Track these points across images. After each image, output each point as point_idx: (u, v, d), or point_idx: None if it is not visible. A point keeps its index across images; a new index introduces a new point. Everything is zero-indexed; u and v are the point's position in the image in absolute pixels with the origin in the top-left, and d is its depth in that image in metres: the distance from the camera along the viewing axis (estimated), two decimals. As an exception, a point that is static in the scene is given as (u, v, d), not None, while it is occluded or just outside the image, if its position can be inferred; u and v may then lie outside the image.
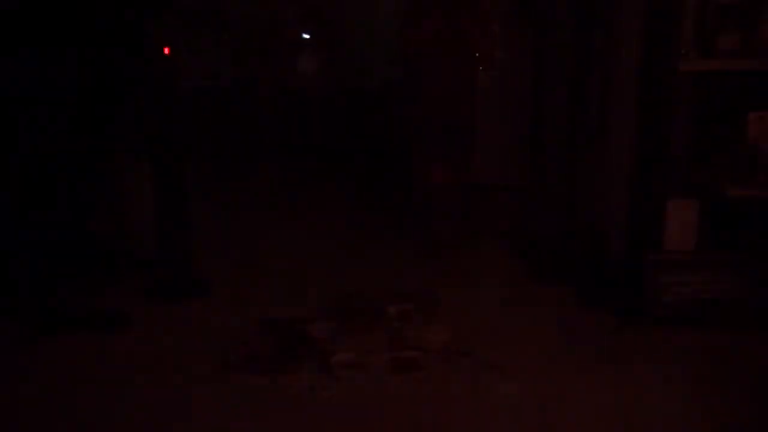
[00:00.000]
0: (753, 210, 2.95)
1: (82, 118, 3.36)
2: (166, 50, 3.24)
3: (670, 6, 2.83)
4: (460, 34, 3.65)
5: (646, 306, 2.91)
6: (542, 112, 5.19)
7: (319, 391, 2.43)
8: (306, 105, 4.52)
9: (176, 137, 3.38)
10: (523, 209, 4.75)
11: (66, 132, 3.36)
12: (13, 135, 3.27)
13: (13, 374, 2.58)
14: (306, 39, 4.23)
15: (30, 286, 3.19)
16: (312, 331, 2.86)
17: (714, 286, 2.90)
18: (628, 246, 3.14)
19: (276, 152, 5.79)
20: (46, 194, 3.37)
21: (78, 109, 3.34)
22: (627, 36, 3.09)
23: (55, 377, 2.53)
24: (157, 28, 3.26)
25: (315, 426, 2.25)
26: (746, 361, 2.62)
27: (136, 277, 3.41)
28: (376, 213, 4.63)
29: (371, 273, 3.62)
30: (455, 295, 3.28)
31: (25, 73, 3.10)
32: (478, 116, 3.89)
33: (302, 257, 3.93)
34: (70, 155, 3.38)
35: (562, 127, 4.60)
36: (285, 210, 4.66)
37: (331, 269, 3.70)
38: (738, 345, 2.73)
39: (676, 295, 2.90)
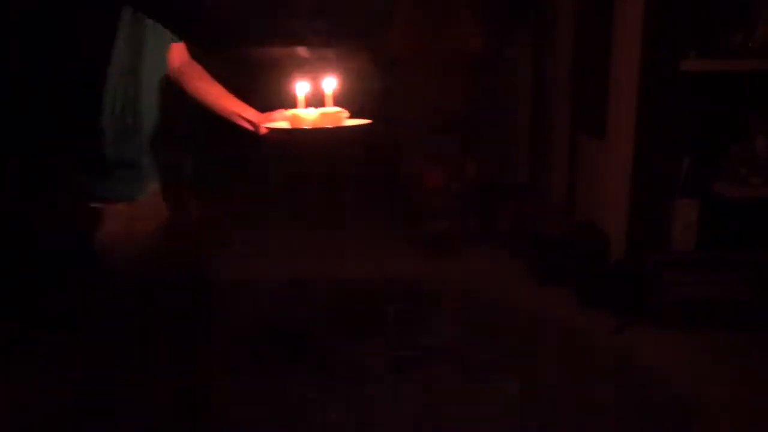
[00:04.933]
0: (753, 210, 2.95)
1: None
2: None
3: (670, 5, 2.83)
4: (452, 34, 3.64)
5: (647, 306, 2.91)
6: (542, 111, 5.20)
7: (319, 390, 2.43)
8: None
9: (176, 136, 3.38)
10: (523, 209, 4.75)
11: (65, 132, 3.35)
12: (14, 135, 3.26)
13: (13, 374, 2.57)
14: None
15: (29, 286, 3.19)
16: (312, 331, 2.86)
17: (714, 286, 2.90)
18: (628, 246, 3.14)
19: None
20: (46, 195, 3.37)
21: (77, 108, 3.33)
22: (627, 36, 3.09)
23: (55, 377, 2.53)
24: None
25: (315, 426, 2.25)
26: (746, 360, 2.62)
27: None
28: (376, 213, 4.63)
29: (371, 273, 3.62)
30: (455, 295, 3.28)
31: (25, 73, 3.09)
32: (477, 116, 3.88)
33: (302, 257, 3.93)
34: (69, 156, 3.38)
35: (562, 127, 4.62)
36: (284, 210, 4.66)
37: (332, 269, 3.70)
38: (738, 345, 2.73)
39: (676, 295, 2.90)
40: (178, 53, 1.83)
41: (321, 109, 1.56)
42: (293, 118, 1.56)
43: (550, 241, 3.77)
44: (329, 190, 4.58)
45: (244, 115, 1.72)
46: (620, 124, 3.18)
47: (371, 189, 4.81)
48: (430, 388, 2.45)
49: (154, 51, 1.69)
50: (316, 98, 1.61)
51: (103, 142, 1.63)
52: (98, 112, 1.60)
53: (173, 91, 1.72)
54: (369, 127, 1.59)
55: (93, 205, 1.67)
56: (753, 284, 2.89)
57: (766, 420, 2.25)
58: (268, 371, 2.57)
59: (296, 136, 1.54)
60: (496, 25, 4.01)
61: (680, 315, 2.89)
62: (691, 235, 2.96)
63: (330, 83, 1.58)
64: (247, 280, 3.53)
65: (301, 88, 1.58)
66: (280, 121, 1.64)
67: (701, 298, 2.89)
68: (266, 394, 2.42)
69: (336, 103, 1.60)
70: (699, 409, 2.29)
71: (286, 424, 2.26)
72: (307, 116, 1.54)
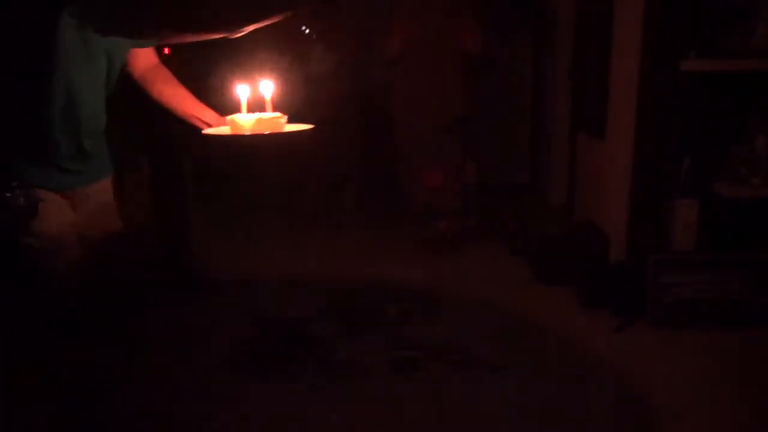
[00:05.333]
0: (753, 210, 2.95)
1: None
2: (166, 50, 3.24)
3: (670, 6, 2.83)
4: (453, 34, 3.62)
5: (647, 306, 2.91)
6: (542, 112, 5.20)
7: (319, 390, 2.43)
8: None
9: (176, 137, 3.38)
10: (524, 209, 4.75)
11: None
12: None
13: (15, 375, 2.57)
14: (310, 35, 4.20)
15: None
16: (312, 331, 2.86)
17: (714, 286, 2.90)
18: (628, 246, 3.14)
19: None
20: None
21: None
22: (627, 36, 3.09)
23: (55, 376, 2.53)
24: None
25: (315, 426, 2.25)
26: (746, 360, 2.62)
27: (136, 277, 3.40)
28: (376, 213, 4.64)
29: (371, 273, 3.62)
30: (455, 295, 3.28)
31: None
32: (477, 116, 3.88)
33: (302, 257, 3.93)
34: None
35: (562, 127, 4.62)
36: (283, 210, 4.66)
37: (332, 269, 3.71)
38: (738, 345, 2.73)
39: (676, 295, 2.90)
40: (143, 57, 1.88)
41: (258, 115, 1.58)
42: (232, 124, 1.59)
43: (550, 241, 3.77)
44: (329, 190, 4.58)
45: (203, 117, 1.77)
46: (620, 124, 3.18)
47: (371, 189, 4.81)
48: (430, 388, 2.45)
49: (99, 46, 1.72)
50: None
51: (50, 136, 1.67)
52: (43, 105, 1.64)
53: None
54: (308, 132, 1.61)
55: (35, 195, 1.70)
56: (753, 284, 2.89)
57: (766, 419, 2.25)
58: (268, 371, 2.57)
59: (233, 141, 1.57)
60: (496, 26, 4.01)
61: (680, 315, 2.89)
62: (691, 235, 2.96)
63: (267, 87, 1.61)
64: (247, 280, 3.53)
65: (242, 92, 1.61)
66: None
67: (701, 298, 2.89)
68: (266, 394, 2.43)
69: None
70: (699, 409, 2.29)
71: (286, 424, 2.26)
72: (245, 122, 1.56)
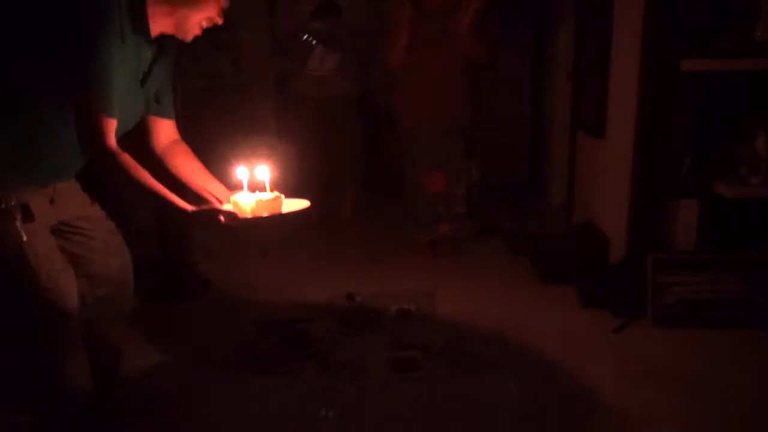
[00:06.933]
0: (752, 210, 2.95)
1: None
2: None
3: (670, 6, 2.83)
4: (452, 34, 3.60)
5: (647, 306, 2.91)
6: (542, 112, 5.21)
7: (319, 391, 2.43)
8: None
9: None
10: (524, 209, 4.75)
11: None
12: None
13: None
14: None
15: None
16: (312, 331, 2.86)
17: (714, 286, 2.90)
18: (628, 246, 3.14)
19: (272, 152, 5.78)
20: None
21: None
22: (627, 36, 3.09)
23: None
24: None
25: (315, 426, 2.25)
26: (746, 360, 2.62)
27: (136, 277, 3.40)
28: (376, 212, 4.64)
29: (371, 273, 3.62)
30: (456, 295, 3.28)
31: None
32: (477, 117, 3.87)
33: (302, 257, 3.93)
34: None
35: (562, 127, 4.62)
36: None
37: (331, 269, 3.71)
38: (738, 345, 2.73)
39: (676, 295, 2.90)
40: (165, 131, 1.96)
41: (258, 195, 1.71)
42: (234, 205, 1.71)
43: (550, 241, 3.77)
44: (330, 192, 4.58)
45: (212, 191, 1.88)
46: (620, 124, 3.18)
47: (373, 190, 4.82)
48: (430, 388, 2.45)
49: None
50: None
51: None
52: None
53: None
54: (304, 211, 1.76)
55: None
56: (753, 284, 2.89)
57: (766, 419, 2.25)
58: (268, 371, 2.57)
59: (235, 223, 1.68)
60: (496, 26, 4.00)
61: (680, 315, 2.89)
62: (691, 235, 2.96)
63: (264, 172, 1.74)
64: (247, 280, 3.53)
65: (242, 173, 1.74)
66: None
67: (701, 298, 2.89)
68: (266, 394, 2.43)
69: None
70: (699, 409, 2.29)
71: (286, 424, 2.26)
72: (246, 205, 1.68)
